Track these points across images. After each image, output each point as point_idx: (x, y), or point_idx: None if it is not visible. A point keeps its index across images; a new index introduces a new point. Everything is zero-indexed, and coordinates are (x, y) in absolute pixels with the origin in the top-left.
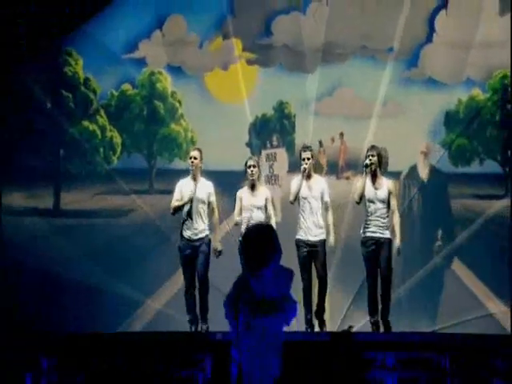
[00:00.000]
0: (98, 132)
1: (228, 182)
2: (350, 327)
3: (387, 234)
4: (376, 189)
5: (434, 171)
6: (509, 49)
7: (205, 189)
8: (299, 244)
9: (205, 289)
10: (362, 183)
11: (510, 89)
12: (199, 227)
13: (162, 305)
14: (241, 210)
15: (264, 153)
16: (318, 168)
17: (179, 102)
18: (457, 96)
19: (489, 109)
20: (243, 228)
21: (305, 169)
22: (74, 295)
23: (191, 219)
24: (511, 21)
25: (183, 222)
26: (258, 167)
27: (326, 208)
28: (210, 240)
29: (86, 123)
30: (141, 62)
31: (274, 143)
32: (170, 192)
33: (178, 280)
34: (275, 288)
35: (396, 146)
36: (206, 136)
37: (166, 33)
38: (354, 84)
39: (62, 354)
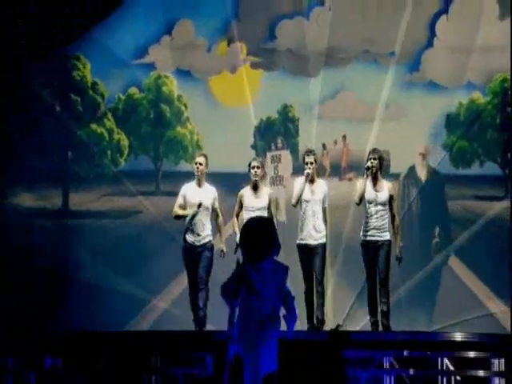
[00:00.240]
0: (106, 135)
1: (233, 184)
2: (338, 326)
3: (386, 236)
4: (377, 191)
5: (432, 172)
6: (509, 53)
7: (209, 195)
8: (300, 247)
9: (205, 293)
10: (362, 185)
11: (509, 92)
12: (202, 233)
13: (168, 304)
14: (240, 209)
15: (269, 155)
16: (321, 170)
17: (185, 106)
18: (457, 99)
19: (489, 112)
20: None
21: (308, 174)
22: (81, 295)
23: (195, 225)
24: (511, 25)
25: (187, 227)
26: (262, 168)
27: (323, 213)
28: (212, 245)
29: (93, 126)
30: (149, 67)
31: (279, 145)
32: (176, 194)
33: (183, 280)
34: (274, 282)
35: (398, 149)
36: (211, 139)
37: (175, 37)
38: (357, 87)
39: (67, 354)
